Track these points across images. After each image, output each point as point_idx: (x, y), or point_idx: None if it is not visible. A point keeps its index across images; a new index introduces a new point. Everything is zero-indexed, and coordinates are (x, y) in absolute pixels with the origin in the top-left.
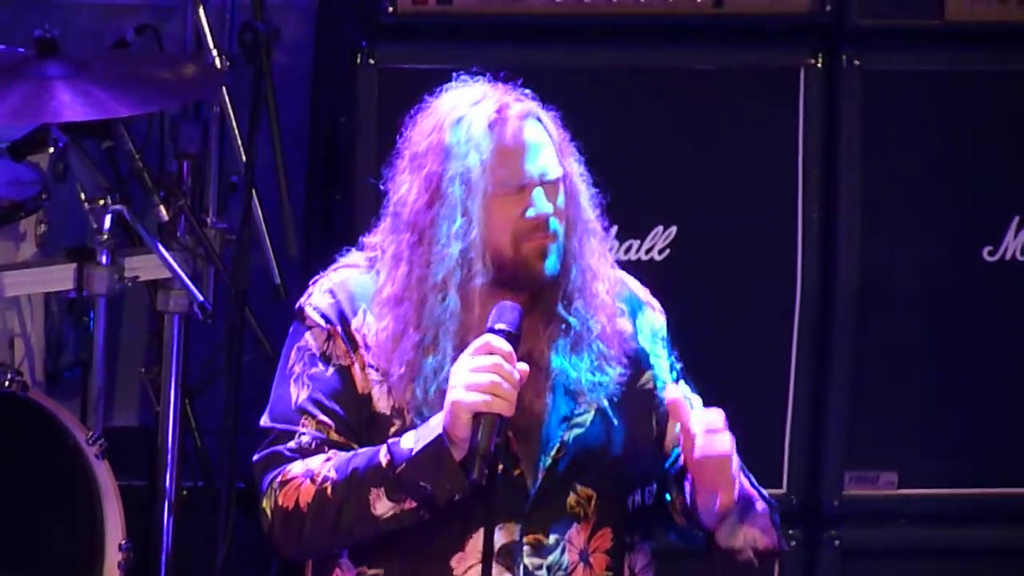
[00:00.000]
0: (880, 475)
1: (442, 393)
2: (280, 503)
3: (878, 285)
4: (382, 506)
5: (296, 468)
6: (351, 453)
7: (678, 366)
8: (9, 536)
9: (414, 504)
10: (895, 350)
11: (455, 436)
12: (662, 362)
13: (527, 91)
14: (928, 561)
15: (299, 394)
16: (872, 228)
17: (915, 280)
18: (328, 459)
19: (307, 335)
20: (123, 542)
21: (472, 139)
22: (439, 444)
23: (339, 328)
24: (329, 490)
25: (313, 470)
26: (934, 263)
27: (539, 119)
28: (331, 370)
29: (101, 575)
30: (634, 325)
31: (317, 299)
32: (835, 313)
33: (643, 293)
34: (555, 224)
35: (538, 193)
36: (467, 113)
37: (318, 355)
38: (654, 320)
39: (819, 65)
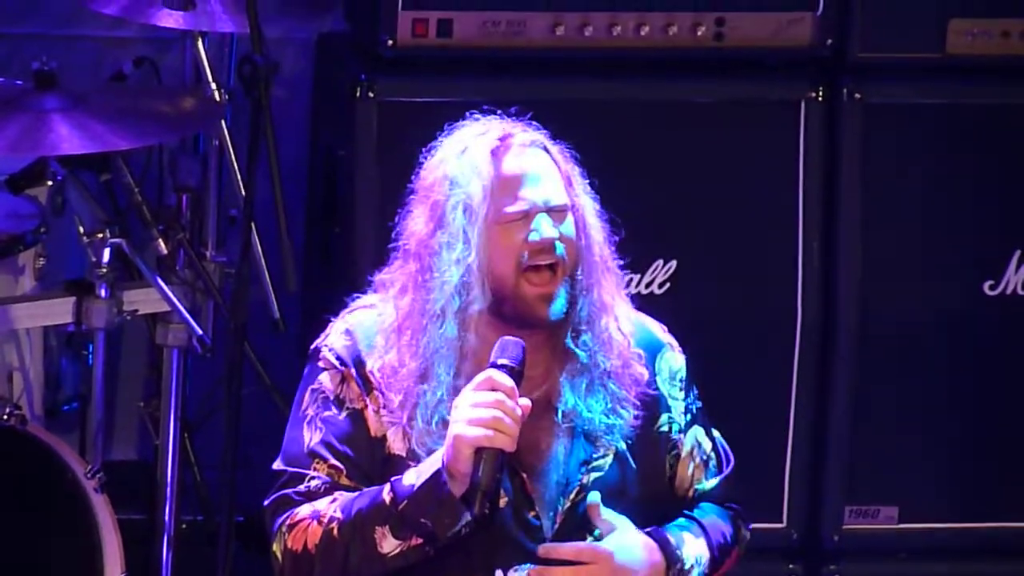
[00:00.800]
0: (880, 509)
1: (442, 423)
2: (289, 546)
3: (879, 319)
4: (388, 544)
5: (303, 511)
6: (356, 493)
7: (695, 407)
8: (8, 570)
9: (420, 540)
10: (895, 384)
11: (456, 471)
12: (679, 404)
13: (535, 124)
14: None
15: (311, 437)
16: (873, 262)
17: (916, 314)
18: (334, 500)
19: (321, 377)
20: None
21: (475, 167)
22: (437, 479)
23: (353, 371)
24: (336, 531)
25: (320, 511)
26: (935, 297)
27: (545, 148)
28: (344, 414)
29: None
30: (653, 369)
31: (333, 340)
32: (835, 347)
33: (662, 334)
34: (561, 249)
35: (541, 218)
36: (472, 143)
37: (332, 398)
38: (673, 361)
39: (820, 98)
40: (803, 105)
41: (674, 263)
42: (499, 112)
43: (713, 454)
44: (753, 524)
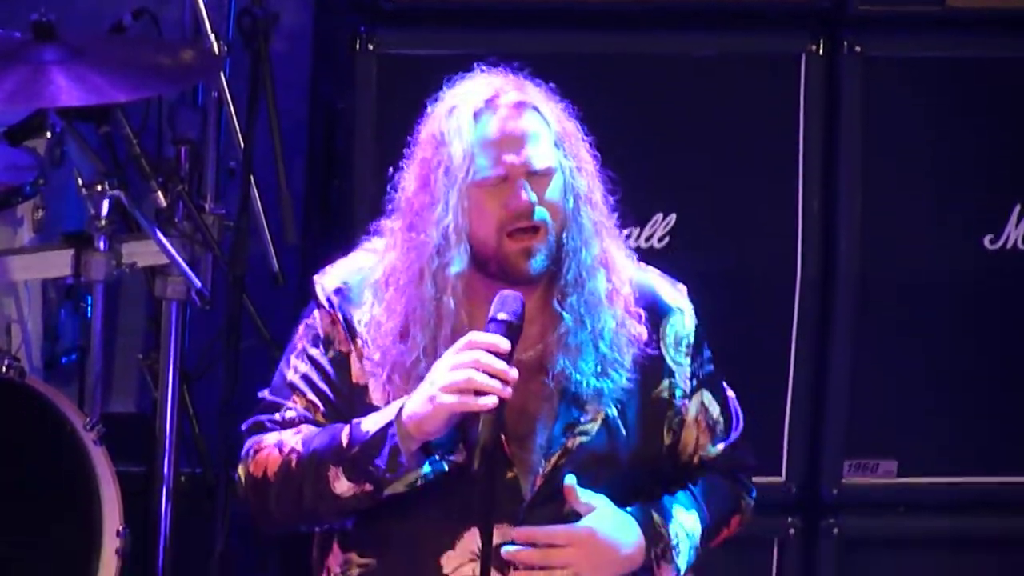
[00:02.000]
0: (879, 463)
1: (417, 383)
2: (251, 471)
3: (878, 273)
4: (341, 485)
5: (270, 438)
6: (320, 429)
7: (703, 372)
8: (7, 522)
9: (371, 487)
10: (895, 338)
11: (427, 430)
12: (683, 370)
13: (539, 80)
14: (928, 549)
15: (296, 369)
16: (873, 216)
17: (916, 268)
18: (298, 431)
19: (316, 313)
20: (121, 528)
21: (458, 128)
22: (387, 430)
23: (339, 315)
24: (293, 463)
25: (283, 441)
26: (935, 251)
27: (536, 108)
28: (331, 353)
29: (99, 561)
30: (656, 332)
31: (328, 280)
32: (835, 302)
33: (672, 297)
34: (542, 214)
35: (521, 183)
36: (460, 103)
37: (321, 336)
38: (680, 327)
39: (820, 52)
40: (803, 58)
41: (674, 216)
42: (503, 65)
43: (722, 418)
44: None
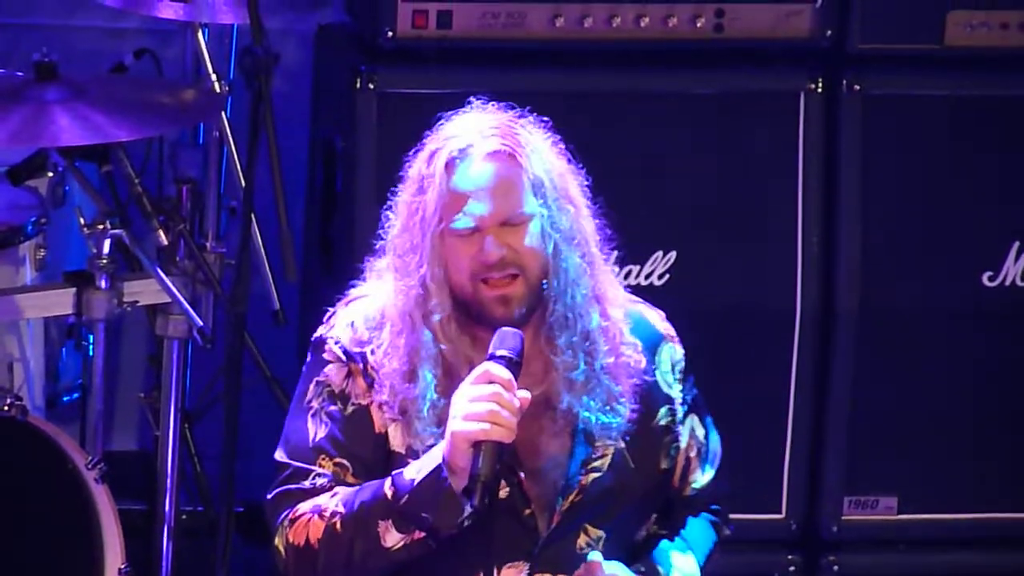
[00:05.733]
0: (879, 500)
1: (429, 421)
2: (291, 540)
3: (878, 310)
4: (392, 538)
5: (304, 506)
6: (357, 487)
7: (690, 396)
8: (9, 560)
9: (422, 534)
10: (895, 375)
11: (455, 466)
12: (677, 396)
13: (537, 117)
14: None
15: (316, 432)
16: (872, 252)
17: (915, 306)
18: (335, 494)
19: (327, 369)
20: (123, 566)
21: (433, 175)
22: (438, 473)
23: (360, 366)
24: (338, 525)
25: (321, 506)
26: (934, 288)
27: (513, 154)
28: (350, 409)
29: None
30: (652, 360)
31: (339, 332)
32: (835, 338)
33: (662, 326)
34: (517, 262)
35: (490, 235)
36: (441, 147)
37: (337, 392)
38: (673, 353)
39: (819, 90)
40: (802, 96)
41: (674, 254)
42: (496, 103)
43: (705, 442)
44: (752, 515)
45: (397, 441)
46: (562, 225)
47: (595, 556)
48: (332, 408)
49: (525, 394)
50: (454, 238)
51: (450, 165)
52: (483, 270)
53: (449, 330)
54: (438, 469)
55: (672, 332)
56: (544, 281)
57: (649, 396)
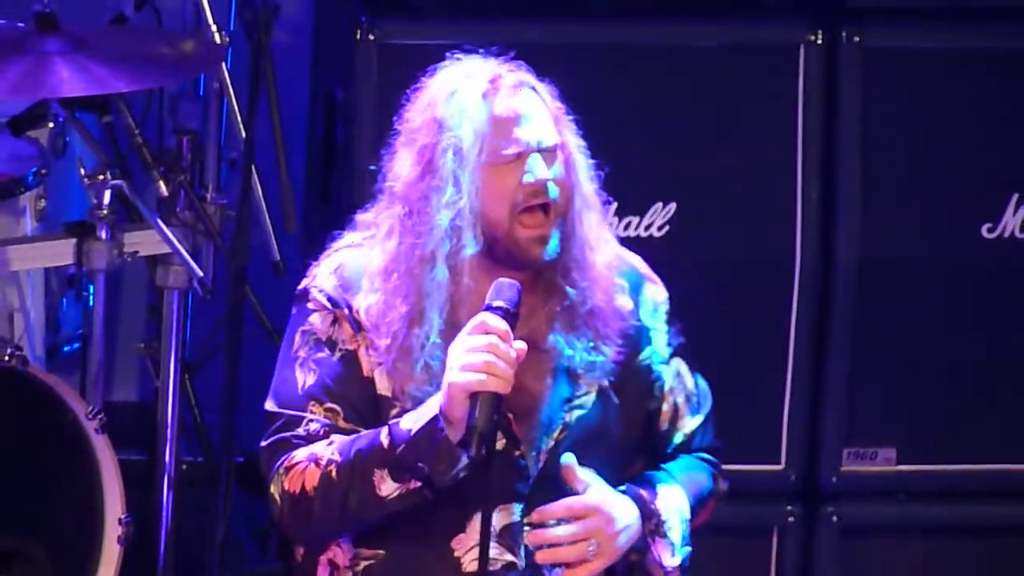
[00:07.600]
0: (878, 451)
1: (429, 367)
2: (287, 488)
3: (877, 262)
4: (387, 487)
5: (300, 453)
6: (354, 436)
7: (675, 342)
8: (9, 511)
9: (418, 484)
10: (894, 327)
11: (452, 416)
12: (661, 336)
13: (521, 63)
14: (927, 537)
15: (306, 379)
16: (871, 205)
17: (914, 257)
18: (331, 443)
19: (312, 318)
20: (123, 516)
21: (465, 110)
22: (435, 424)
23: (345, 311)
24: (334, 473)
25: (317, 454)
26: (933, 240)
27: (533, 88)
28: (337, 355)
29: (101, 549)
30: (636, 300)
31: (322, 281)
32: (834, 290)
33: (644, 268)
34: (554, 191)
35: (535, 159)
36: (460, 86)
37: (324, 340)
38: (656, 294)
39: (819, 42)
40: (802, 49)
41: (673, 206)
42: (480, 51)
43: (695, 391)
44: (751, 465)
45: (383, 385)
46: (577, 159)
47: (568, 458)
48: (319, 355)
49: (521, 345)
50: (494, 168)
51: (487, 96)
52: (527, 196)
53: (472, 268)
54: (435, 419)
55: (652, 275)
56: (569, 212)
57: (635, 337)
